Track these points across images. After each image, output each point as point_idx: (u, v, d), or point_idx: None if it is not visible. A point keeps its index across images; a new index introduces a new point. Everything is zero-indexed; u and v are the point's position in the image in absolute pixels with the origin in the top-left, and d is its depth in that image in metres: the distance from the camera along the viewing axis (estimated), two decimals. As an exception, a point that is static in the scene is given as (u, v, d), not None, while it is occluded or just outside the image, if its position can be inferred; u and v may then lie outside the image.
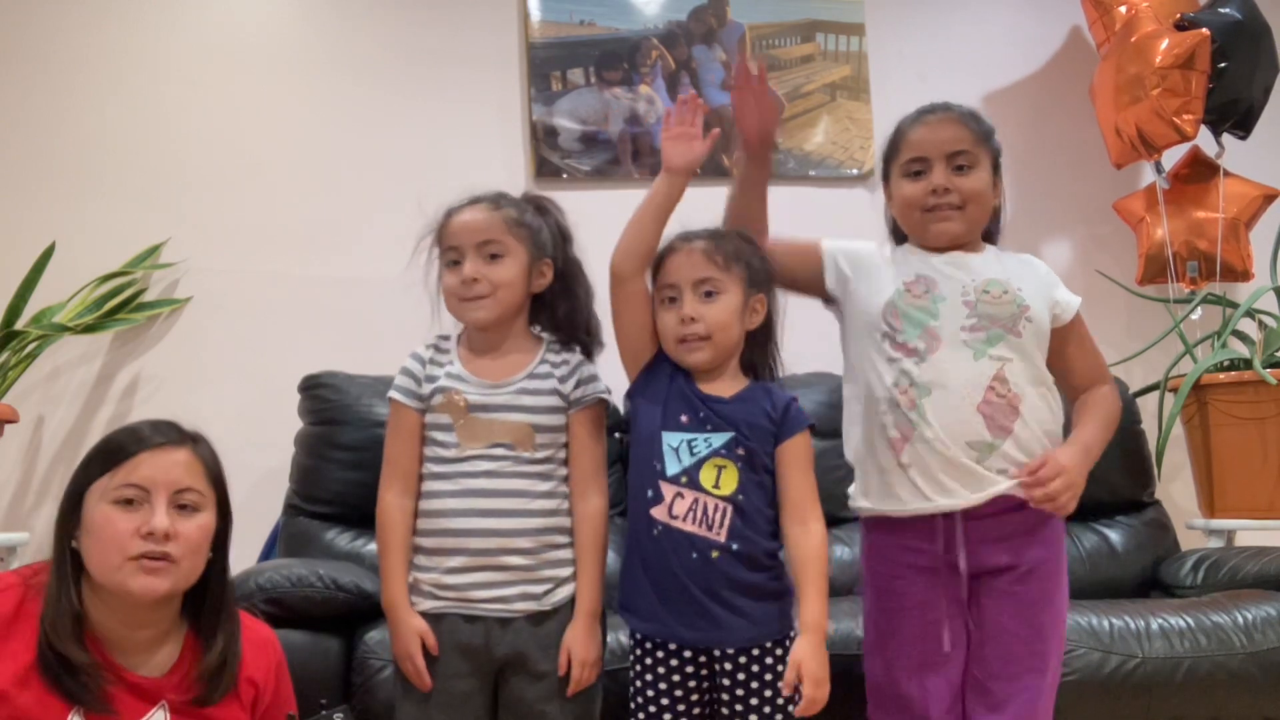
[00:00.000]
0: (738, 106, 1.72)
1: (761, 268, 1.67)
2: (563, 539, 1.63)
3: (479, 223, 1.64)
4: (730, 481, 1.56)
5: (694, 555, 1.54)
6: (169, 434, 1.43)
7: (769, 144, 1.73)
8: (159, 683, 1.40)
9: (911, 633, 1.65)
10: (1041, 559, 1.64)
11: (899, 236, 1.81)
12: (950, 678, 1.63)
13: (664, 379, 1.65)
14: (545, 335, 1.73)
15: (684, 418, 1.60)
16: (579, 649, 1.58)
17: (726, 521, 1.55)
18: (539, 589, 1.59)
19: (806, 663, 1.49)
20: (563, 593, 1.61)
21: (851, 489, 1.75)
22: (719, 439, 1.58)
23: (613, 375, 1.75)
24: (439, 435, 1.63)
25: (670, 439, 1.59)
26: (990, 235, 1.79)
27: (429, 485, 1.63)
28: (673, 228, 1.69)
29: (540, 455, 1.62)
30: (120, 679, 1.37)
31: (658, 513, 1.56)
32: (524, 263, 1.65)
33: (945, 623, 1.63)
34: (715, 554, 1.54)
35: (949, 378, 1.61)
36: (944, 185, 1.67)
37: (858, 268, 1.75)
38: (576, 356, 1.70)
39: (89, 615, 1.38)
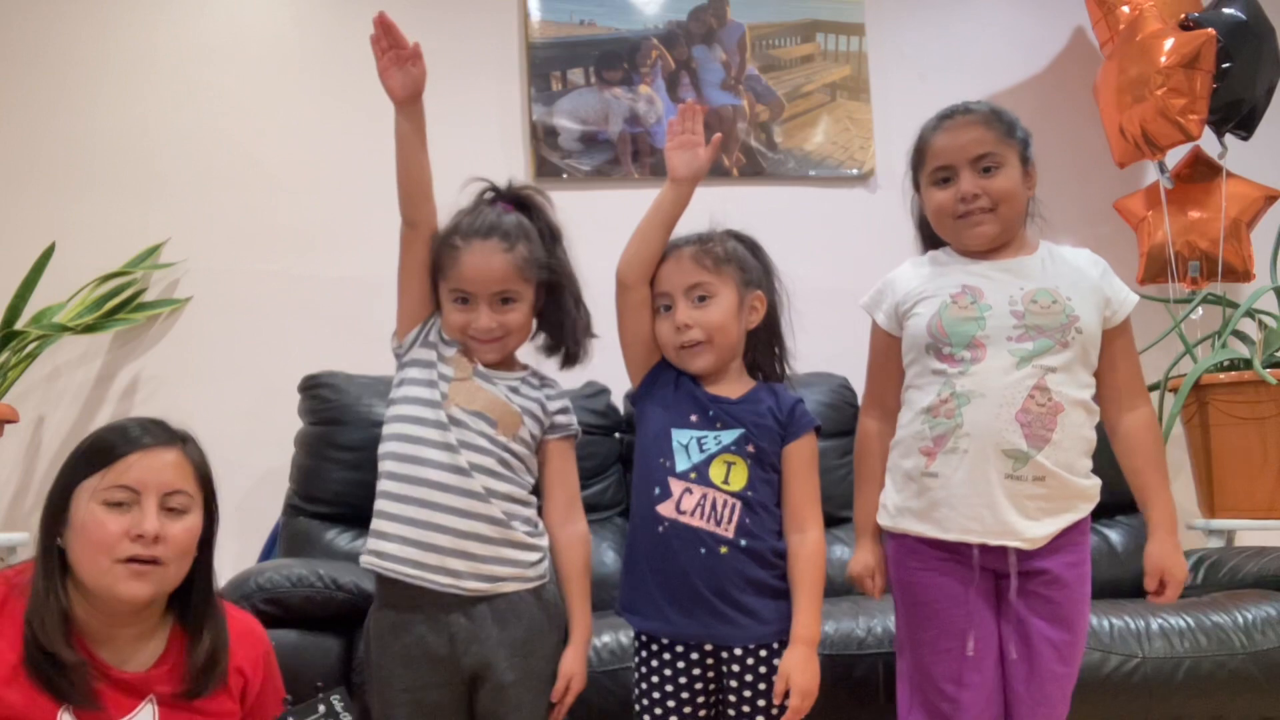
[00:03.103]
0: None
1: (756, 265, 1.67)
2: (528, 535, 1.59)
3: (494, 273, 1.59)
4: (740, 478, 1.56)
5: (701, 551, 1.54)
6: (158, 434, 1.43)
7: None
8: (145, 677, 1.41)
9: (943, 629, 1.63)
10: (1074, 562, 1.63)
11: (927, 235, 1.79)
12: (987, 674, 1.62)
13: (670, 381, 1.65)
14: (530, 365, 1.73)
15: (693, 417, 1.60)
16: (578, 678, 1.58)
17: (735, 517, 1.55)
18: (493, 569, 1.56)
19: (794, 676, 1.50)
20: (516, 584, 1.57)
21: (882, 498, 1.72)
22: (728, 436, 1.58)
23: (616, 372, 1.75)
24: (436, 380, 1.60)
25: (680, 436, 1.59)
26: None
27: (412, 429, 1.59)
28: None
29: (516, 448, 1.61)
30: (106, 676, 1.37)
31: (664, 509, 1.56)
32: (532, 300, 1.65)
33: (972, 625, 1.62)
34: (724, 550, 1.54)
35: (989, 385, 1.60)
36: (972, 191, 1.65)
37: (906, 298, 1.71)
38: (558, 388, 1.71)
39: (74, 612, 1.38)
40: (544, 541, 1.62)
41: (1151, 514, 1.67)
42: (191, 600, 1.45)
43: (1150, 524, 1.67)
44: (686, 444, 1.58)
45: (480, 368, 1.62)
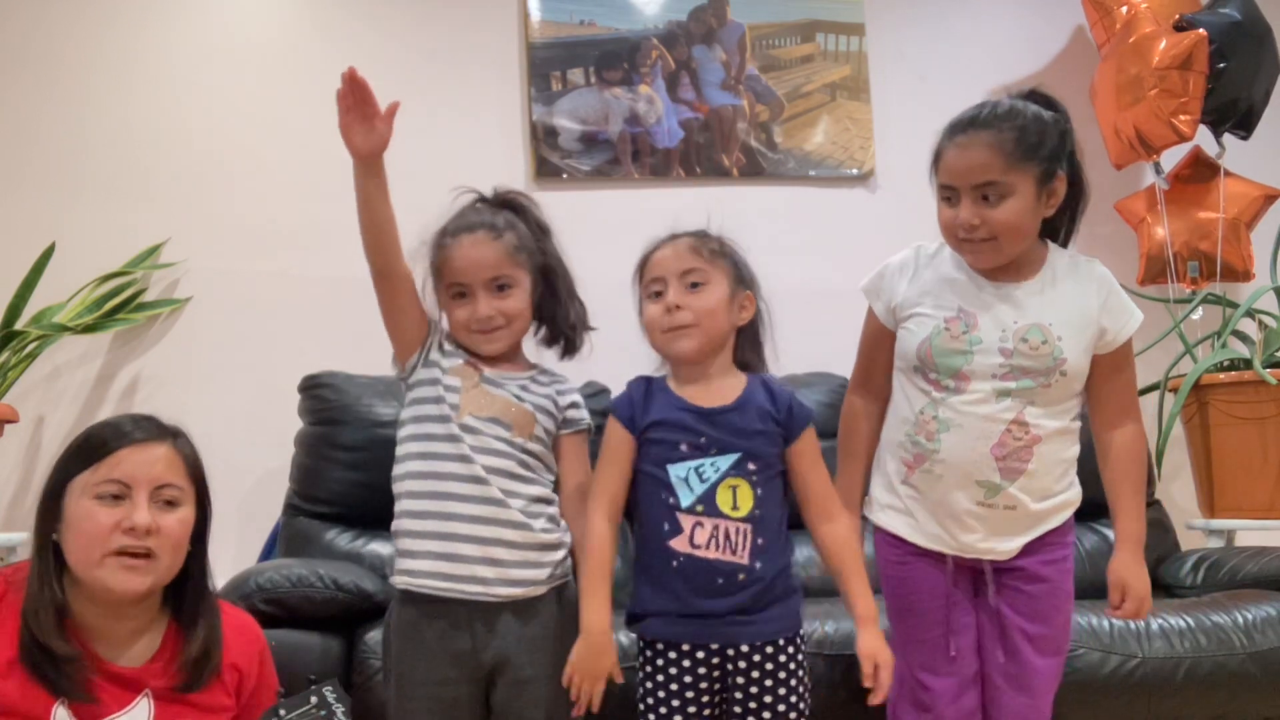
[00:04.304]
0: None
1: (747, 267, 1.68)
2: (547, 530, 1.61)
3: (487, 260, 1.63)
4: (746, 500, 1.56)
5: (719, 581, 1.54)
6: (149, 429, 1.44)
7: None
8: (141, 671, 1.42)
9: (921, 620, 1.66)
10: (1053, 559, 1.65)
11: None
12: (961, 669, 1.64)
13: (650, 414, 1.61)
14: (538, 355, 1.74)
15: (683, 446, 1.58)
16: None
17: (748, 543, 1.55)
18: (521, 574, 1.57)
19: (880, 652, 1.53)
20: (544, 588, 1.59)
21: (871, 490, 1.75)
22: (725, 461, 1.57)
23: (616, 372, 1.75)
24: (443, 395, 1.61)
25: (676, 470, 1.57)
26: (1067, 235, 1.72)
27: (426, 446, 1.61)
28: (659, 229, 1.69)
29: (533, 447, 1.63)
30: (102, 670, 1.38)
31: (678, 544, 1.55)
32: (529, 288, 1.67)
33: (952, 620, 1.65)
34: (741, 577, 1.54)
35: (968, 418, 1.61)
36: (970, 221, 1.59)
37: (904, 305, 1.70)
38: (569, 383, 1.72)
39: (71, 607, 1.39)
40: (567, 537, 1.64)
41: (1120, 528, 1.67)
42: (186, 594, 1.46)
43: (1117, 538, 1.67)
44: (685, 477, 1.56)
45: (487, 373, 1.64)
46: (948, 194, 1.63)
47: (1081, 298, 1.65)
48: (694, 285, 1.61)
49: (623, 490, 1.61)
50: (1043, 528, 1.64)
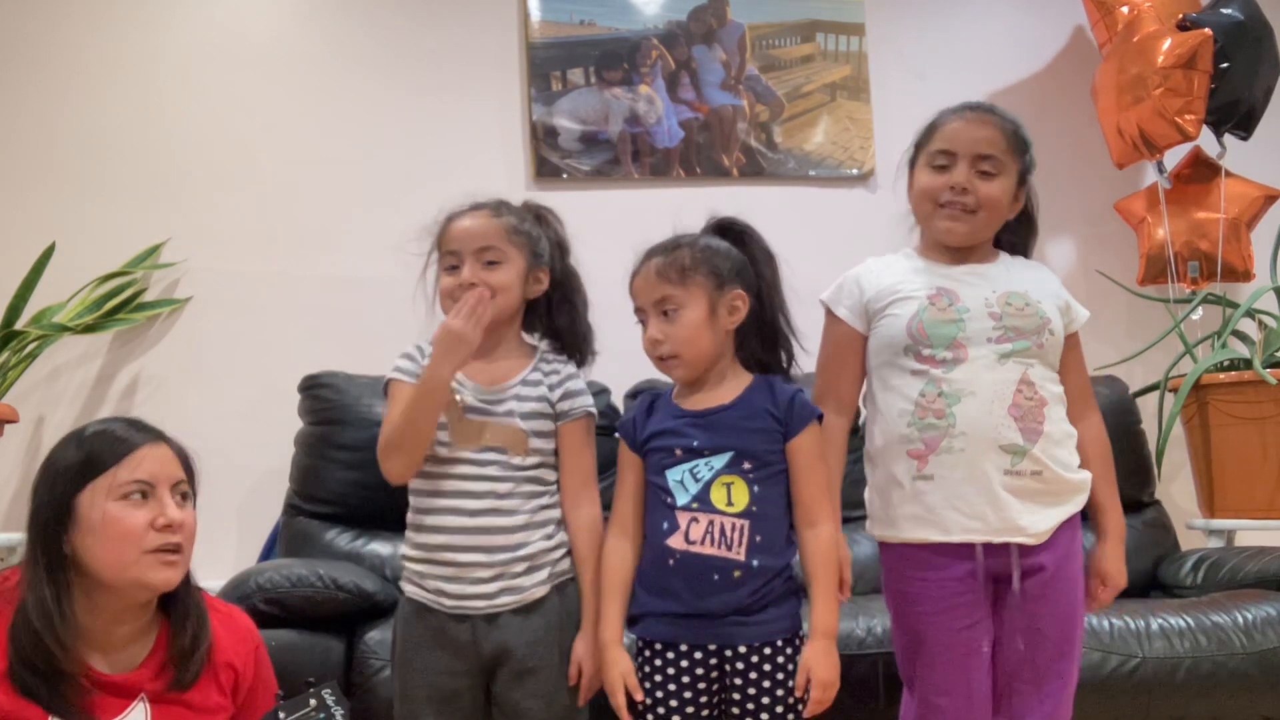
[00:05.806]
0: None
1: (733, 262, 1.64)
2: (549, 536, 1.64)
3: (478, 229, 1.66)
4: (742, 496, 1.56)
5: (715, 578, 1.54)
6: (147, 431, 1.47)
7: None
8: (136, 676, 1.42)
9: (937, 644, 1.63)
10: (1066, 556, 1.64)
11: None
12: (975, 691, 1.62)
13: (649, 427, 1.64)
14: (540, 344, 1.74)
15: (678, 451, 1.59)
16: (588, 662, 1.60)
17: (744, 539, 1.54)
18: (524, 581, 1.60)
19: (816, 669, 1.52)
20: (545, 588, 1.62)
21: (869, 509, 1.73)
22: (719, 460, 1.57)
23: (616, 372, 1.76)
24: (436, 435, 1.63)
25: (673, 474, 1.58)
26: (1025, 248, 1.79)
27: (414, 483, 1.65)
28: (659, 229, 1.69)
29: (531, 461, 1.64)
30: (97, 681, 1.38)
31: (674, 541, 1.55)
32: (520, 270, 1.67)
33: (971, 643, 1.62)
34: (737, 574, 1.53)
35: (978, 384, 1.61)
36: (963, 185, 1.66)
37: (878, 296, 1.71)
38: (567, 369, 1.71)
39: (75, 617, 1.38)
40: (565, 536, 1.66)
41: (1104, 522, 1.72)
42: (177, 592, 1.46)
43: (1102, 531, 1.72)
44: (681, 479, 1.58)
45: (471, 402, 1.63)
46: (943, 160, 1.69)
47: (1041, 277, 1.75)
48: (666, 314, 1.61)
49: (637, 508, 1.64)
50: (1066, 508, 1.64)
